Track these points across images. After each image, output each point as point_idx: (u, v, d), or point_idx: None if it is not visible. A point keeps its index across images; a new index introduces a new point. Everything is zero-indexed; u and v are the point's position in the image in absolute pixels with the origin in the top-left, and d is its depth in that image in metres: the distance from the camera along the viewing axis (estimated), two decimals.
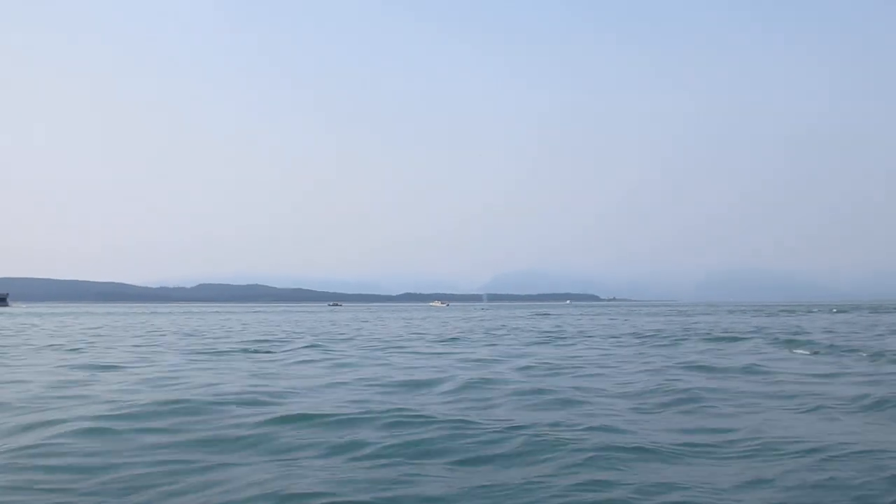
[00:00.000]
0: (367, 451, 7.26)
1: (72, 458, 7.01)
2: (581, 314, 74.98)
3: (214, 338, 29.06)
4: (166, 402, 10.04)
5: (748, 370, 15.17)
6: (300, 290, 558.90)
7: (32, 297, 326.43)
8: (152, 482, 6.14)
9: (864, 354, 18.71)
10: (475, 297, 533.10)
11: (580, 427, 8.46)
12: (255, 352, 21.06)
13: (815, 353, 19.76)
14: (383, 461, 6.90)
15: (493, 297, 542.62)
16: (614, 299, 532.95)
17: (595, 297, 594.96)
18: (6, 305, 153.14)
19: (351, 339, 28.32)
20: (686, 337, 28.12)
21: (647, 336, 29.01)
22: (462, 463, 6.87)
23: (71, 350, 22.17)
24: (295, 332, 33.81)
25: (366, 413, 9.28)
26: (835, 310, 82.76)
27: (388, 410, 9.43)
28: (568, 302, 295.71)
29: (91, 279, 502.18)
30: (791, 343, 23.65)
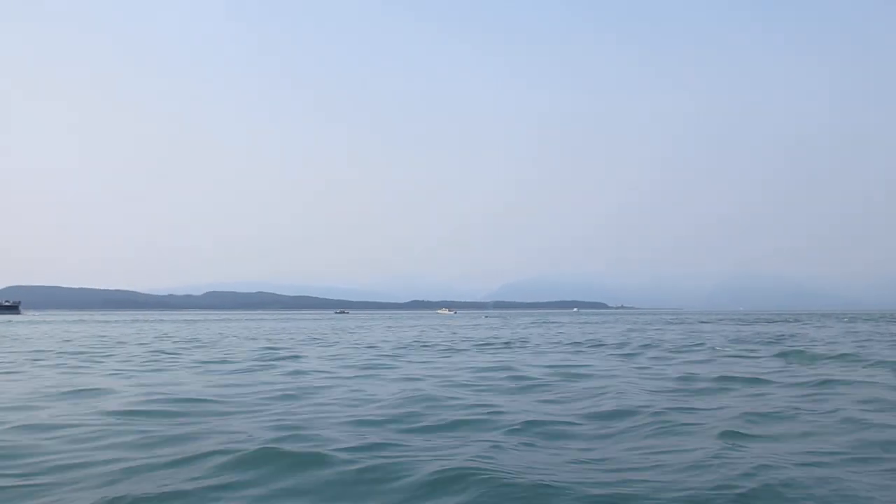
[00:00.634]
0: None
1: None
2: (570, 322, 74.63)
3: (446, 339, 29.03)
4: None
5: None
6: (306, 297, 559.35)
7: (43, 305, 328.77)
8: None
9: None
10: (482, 305, 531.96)
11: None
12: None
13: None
14: None
15: (500, 305, 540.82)
16: (622, 307, 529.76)
17: (603, 305, 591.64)
18: (18, 313, 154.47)
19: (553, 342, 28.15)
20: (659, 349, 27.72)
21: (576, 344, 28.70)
22: None
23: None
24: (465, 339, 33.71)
25: None
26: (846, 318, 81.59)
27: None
28: (575, 310, 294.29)
29: (100, 287, 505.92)
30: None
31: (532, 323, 68.93)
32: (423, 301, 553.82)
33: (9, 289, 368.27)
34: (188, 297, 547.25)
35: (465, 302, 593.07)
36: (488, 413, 9.96)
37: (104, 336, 39.01)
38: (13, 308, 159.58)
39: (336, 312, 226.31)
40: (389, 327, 56.40)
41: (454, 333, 41.77)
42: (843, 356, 19.86)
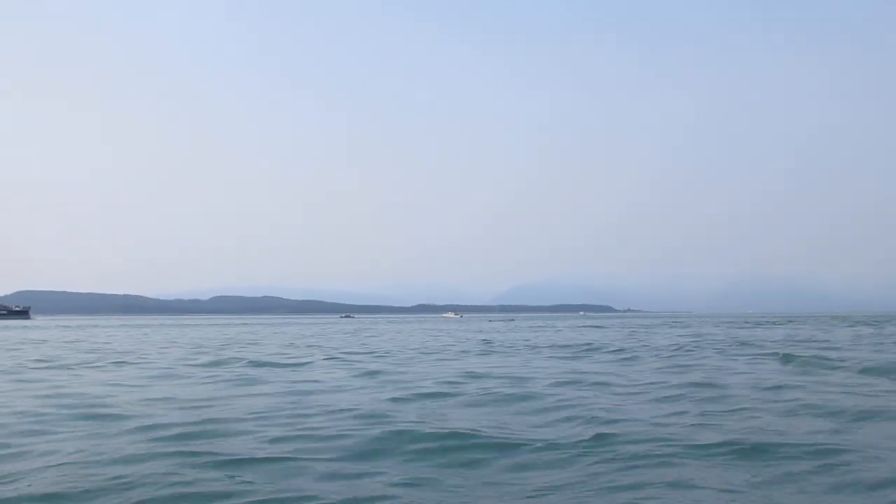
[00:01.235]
0: None
1: None
2: (566, 326, 74.79)
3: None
4: None
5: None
6: (312, 301, 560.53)
7: (52, 310, 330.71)
8: None
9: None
10: (488, 309, 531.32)
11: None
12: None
13: None
14: None
15: (507, 309, 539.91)
16: (629, 310, 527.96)
17: (610, 309, 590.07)
18: (28, 318, 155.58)
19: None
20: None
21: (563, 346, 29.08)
22: None
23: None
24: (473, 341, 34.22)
25: None
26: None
27: None
28: (582, 313, 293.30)
29: (108, 292, 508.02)
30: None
31: (530, 328, 68.92)
32: (428, 304, 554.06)
33: (17, 294, 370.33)
34: (195, 301, 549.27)
35: (470, 305, 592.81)
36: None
37: (175, 341, 39.49)
38: (23, 313, 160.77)
39: (341, 316, 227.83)
40: (441, 329, 56.72)
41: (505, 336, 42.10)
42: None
